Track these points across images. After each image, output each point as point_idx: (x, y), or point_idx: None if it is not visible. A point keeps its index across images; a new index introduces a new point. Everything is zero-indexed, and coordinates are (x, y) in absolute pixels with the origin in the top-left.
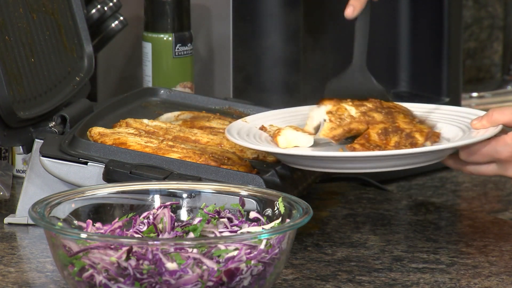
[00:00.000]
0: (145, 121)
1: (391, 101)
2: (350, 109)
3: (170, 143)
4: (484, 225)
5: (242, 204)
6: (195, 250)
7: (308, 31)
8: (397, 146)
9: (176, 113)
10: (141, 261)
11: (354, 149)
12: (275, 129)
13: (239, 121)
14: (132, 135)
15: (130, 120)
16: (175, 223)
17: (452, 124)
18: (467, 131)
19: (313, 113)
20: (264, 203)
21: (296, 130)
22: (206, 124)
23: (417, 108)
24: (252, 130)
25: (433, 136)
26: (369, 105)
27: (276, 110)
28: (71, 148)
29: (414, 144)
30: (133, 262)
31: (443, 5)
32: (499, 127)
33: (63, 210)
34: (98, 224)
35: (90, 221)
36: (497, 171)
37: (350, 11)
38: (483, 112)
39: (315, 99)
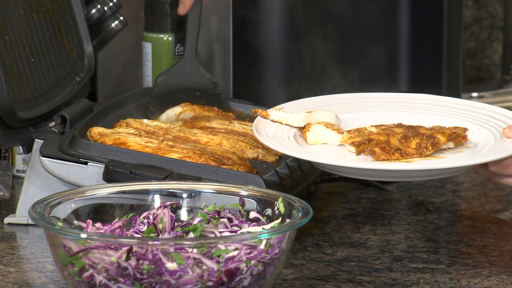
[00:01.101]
0: (145, 121)
1: (219, 92)
2: (371, 128)
3: (170, 143)
4: (484, 225)
5: (242, 204)
6: (195, 250)
7: (308, 31)
8: (418, 147)
9: (178, 109)
10: (141, 261)
11: (373, 153)
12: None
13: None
14: (132, 135)
15: (130, 120)
16: (175, 223)
17: (485, 126)
18: (499, 139)
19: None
20: (264, 203)
21: (327, 127)
22: (206, 124)
23: (448, 103)
24: (280, 127)
25: (458, 137)
26: (391, 124)
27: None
28: (71, 148)
29: (435, 144)
30: (133, 262)
31: (443, 5)
32: None
33: (63, 210)
34: (98, 224)
35: (90, 221)
36: None
37: (181, 9)
38: None
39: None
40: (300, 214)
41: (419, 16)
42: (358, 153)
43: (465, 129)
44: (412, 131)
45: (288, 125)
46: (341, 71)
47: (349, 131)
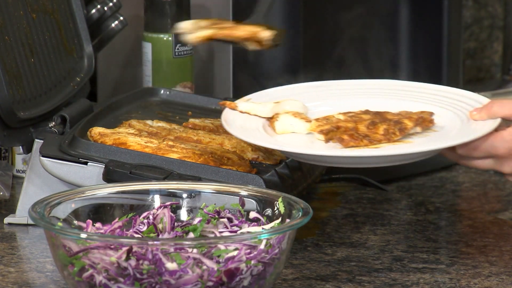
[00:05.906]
0: (149, 122)
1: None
2: (338, 116)
3: (170, 143)
4: (484, 225)
5: (242, 204)
6: (195, 250)
7: (308, 31)
8: (386, 133)
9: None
10: (141, 261)
11: (342, 140)
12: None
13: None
14: (132, 135)
15: (134, 121)
16: (175, 223)
17: (450, 109)
18: (465, 121)
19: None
20: (264, 203)
21: (294, 116)
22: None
23: (413, 88)
24: (248, 118)
25: (425, 121)
26: (358, 111)
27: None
28: (71, 148)
29: (403, 130)
30: (133, 262)
31: (443, 5)
32: (498, 121)
33: (63, 210)
34: (98, 224)
35: (90, 221)
36: (492, 166)
37: None
38: (485, 99)
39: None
40: (300, 214)
41: (419, 16)
42: (326, 141)
43: (431, 113)
44: (379, 117)
45: (257, 115)
46: (341, 70)
47: (317, 119)
